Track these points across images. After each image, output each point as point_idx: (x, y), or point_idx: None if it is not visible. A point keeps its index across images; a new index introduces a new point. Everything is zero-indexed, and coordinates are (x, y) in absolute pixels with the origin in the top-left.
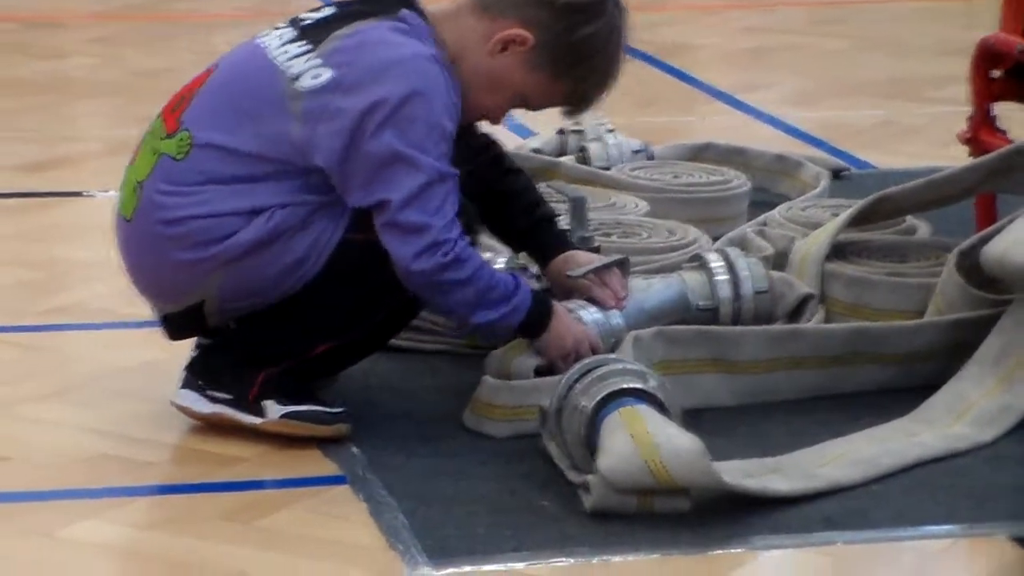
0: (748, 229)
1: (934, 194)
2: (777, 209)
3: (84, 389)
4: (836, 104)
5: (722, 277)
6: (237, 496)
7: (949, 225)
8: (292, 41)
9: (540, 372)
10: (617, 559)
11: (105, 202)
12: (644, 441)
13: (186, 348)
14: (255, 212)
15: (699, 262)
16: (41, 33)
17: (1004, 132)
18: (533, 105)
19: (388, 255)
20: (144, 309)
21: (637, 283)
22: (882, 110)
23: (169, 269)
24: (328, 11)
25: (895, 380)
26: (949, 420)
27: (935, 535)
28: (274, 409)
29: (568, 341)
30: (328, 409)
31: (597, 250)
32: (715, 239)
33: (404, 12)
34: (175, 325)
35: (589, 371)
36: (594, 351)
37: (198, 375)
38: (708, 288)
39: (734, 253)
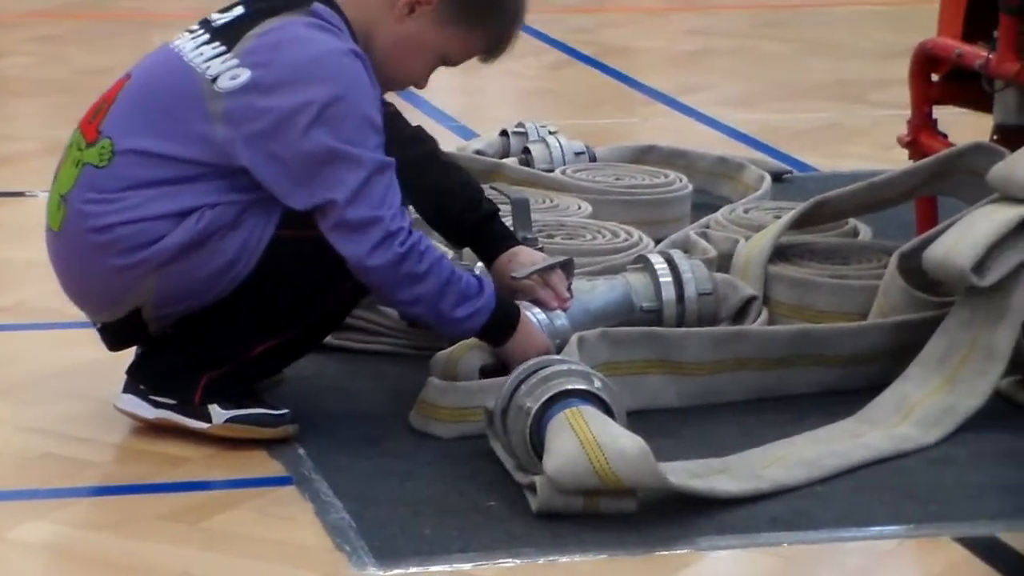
0: (691, 231)
1: (875, 197)
2: (720, 211)
3: (28, 389)
4: (778, 107)
5: (666, 279)
6: (182, 497)
7: (891, 228)
8: (206, 43)
9: (486, 373)
10: (563, 560)
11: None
12: (589, 442)
13: (130, 350)
14: (183, 214)
15: (643, 264)
16: None
17: (944, 136)
18: (454, 61)
19: (321, 250)
20: None
21: (581, 285)
22: (824, 113)
23: (101, 277)
24: (239, 10)
25: (839, 381)
26: (894, 420)
27: (881, 536)
28: (218, 413)
29: (531, 352)
30: (272, 411)
31: (541, 251)
32: (658, 241)
33: (316, 5)
34: (114, 335)
35: (534, 372)
36: None
37: (139, 380)
38: (652, 290)
39: (677, 255)
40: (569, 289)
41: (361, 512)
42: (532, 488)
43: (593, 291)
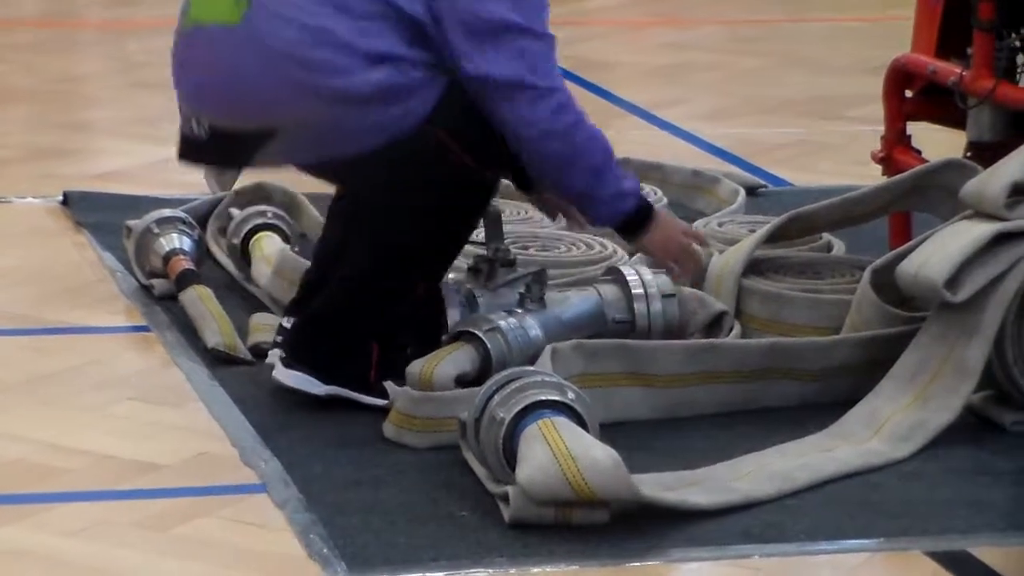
0: None
1: (848, 212)
2: (694, 224)
3: (3, 395)
4: (753, 121)
5: (638, 290)
6: (154, 503)
7: (864, 243)
8: None
9: (461, 382)
10: (535, 570)
11: (23, 208)
12: (562, 453)
13: (107, 354)
14: (375, 58)
15: (614, 275)
16: None
17: (918, 152)
18: None
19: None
20: (67, 315)
21: (554, 296)
22: (799, 128)
23: (271, 82)
24: None
25: (811, 395)
26: (865, 435)
27: (851, 549)
28: (396, 390)
29: (672, 246)
30: None
31: (513, 263)
32: (632, 254)
33: None
34: (218, 145)
35: (507, 383)
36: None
37: (299, 353)
38: (624, 301)
39: (641, 268)
40: (542, 300)
41: (333, 521)
42: (505, 498)
43: (566, 302)
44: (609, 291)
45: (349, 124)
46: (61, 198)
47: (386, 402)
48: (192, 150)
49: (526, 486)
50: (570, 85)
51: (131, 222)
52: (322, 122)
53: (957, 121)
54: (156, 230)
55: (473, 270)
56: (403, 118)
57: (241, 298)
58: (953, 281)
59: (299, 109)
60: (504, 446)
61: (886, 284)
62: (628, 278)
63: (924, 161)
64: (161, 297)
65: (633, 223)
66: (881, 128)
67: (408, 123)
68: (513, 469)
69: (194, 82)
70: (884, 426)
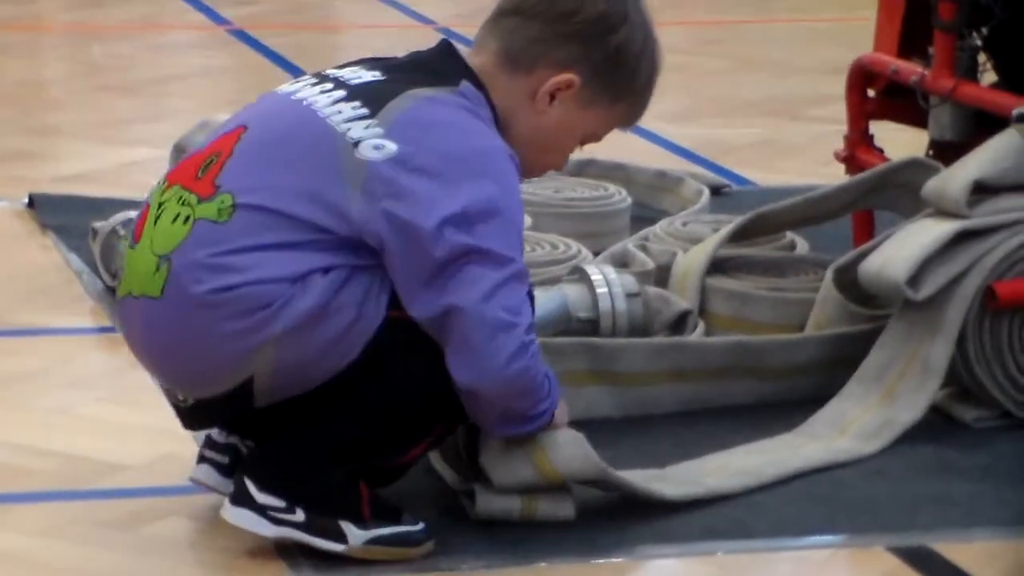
0: (630, 244)
1: (812, 211)
2: (659, 224)
3: None
4: (717, 122)
5: (602, 289)
6: (122, 503)
7: (827, 242)
8: (343, 100)
9: None
10: (501, 568)
11: None
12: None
13: (74, 355)
14: (301, 277)
15: (579, 275)
16: None
17: (881, 151)
18: (599, 137)
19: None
20: (33, 316)
21: None
22: (762, 128)
23: (215, 344)
24: (376, 73)
25: (776, 393)
26: (833, 435)
27: (815, 545)
28: (355, 533)
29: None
30: (412, 528)
31: None
32: (597, 254)
33: (464, 85)
34: (212, 411)
35: None
36: None
37: (267, 483)
38: (588, 300)
39: (605, 267)
40: None
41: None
42: (469, 495)
43: None
44: (574, 290)
45: (313, 345)
46: (27, 200)
47: (343, 547)
48: (195, 420)
49: (489, 468)
50: None
51: (97, 224)
52: (285, 356)
53: (919, 120)
54: (122, 232)
55: None
56: (358, 320)
57: None
58: (915, 279)
59: (258, 354)
60: (466, 442)
61: (849, 282)
62: (592, 277)
63: (887, 160)
64: None
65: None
66: (844, 128)
67: (379, 309)
68: (475, 459)
69: (147, 357)
70: (851, 427)
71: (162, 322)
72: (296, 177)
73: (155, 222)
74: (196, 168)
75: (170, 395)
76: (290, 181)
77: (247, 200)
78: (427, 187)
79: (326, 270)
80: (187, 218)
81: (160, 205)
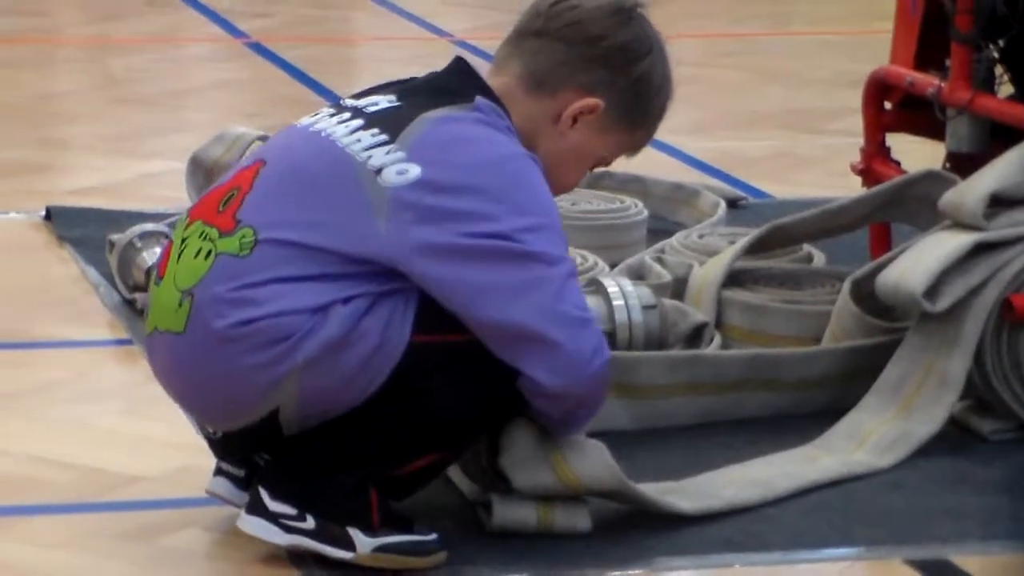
0: (646, 256)
1: (828, 224)
2: (675, 237)
3: None
4: (733, 134)
5: (619, 302)
6: (138, 515)
7: (844, 254)
8: (361, 129)
9: None
10: None
11: (6, 224)
12: (545, 437)
13: (91, 367)
14: (322, 308)
15: (595, 287)
16: None
17: (897, 163)
18: (609, 161)
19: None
20: (50, 329)
21: None
22: (778, 141)
23: (239, 377)
24: (391, 98)
25: (792, 406)
26: (849, 447)
27: (832, 558)
28: (363, 541)
29: None
30: (423, 537)
31: None
32: (613, 266)
33: (478, 100)
34: (241, 441)
35: None
36: None
37: (279, 491)
38: (605, 311)
39: (622, 280)
40: None
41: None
42: (486, 506)
43: None
44: (591, 302)
45: (337, 374)
46: (44, 213)
47: (351, 555)
48: (226, 451)
49: (509, 470)
50: None
51: (114, 236)
52: (309, 387)
53: (936, 132)
54: (139, 244)
55: None
56: (382, 347)
57: None
58: (932, 291)
59: (284, 385)
60: (488, 448)
61: (866, 295)
62: (609, 289)
63: (903, 172)
64: (144, 311)
65: None
66: (860, 140)
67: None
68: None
69: (174, 391)
70: (868, 439)
71: (186, 357)
72: (317, 209)
73: (178, 257)
74: (217, 202)
75: (201, 427)
76: (311, 213)
77: (269, 235)
78: (460, 204)
79: (347, 300)
80: (209, 252)
81: (183, 240)
